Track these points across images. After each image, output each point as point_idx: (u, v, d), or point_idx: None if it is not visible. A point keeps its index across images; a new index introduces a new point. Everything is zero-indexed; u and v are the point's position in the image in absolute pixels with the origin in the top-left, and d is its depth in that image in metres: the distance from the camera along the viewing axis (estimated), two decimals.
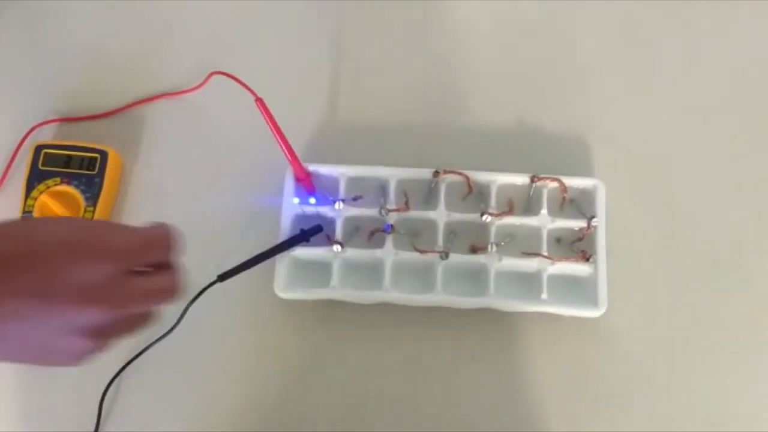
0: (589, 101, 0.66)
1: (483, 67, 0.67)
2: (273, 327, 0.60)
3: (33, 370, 0.59)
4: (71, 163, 0.62)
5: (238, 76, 0.55)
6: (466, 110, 0.66)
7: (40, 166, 0.61)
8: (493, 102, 0.66)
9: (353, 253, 0.59)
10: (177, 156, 0.65)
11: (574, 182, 0.61)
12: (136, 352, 0.58)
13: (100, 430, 0.57)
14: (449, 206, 0.60)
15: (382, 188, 0.61)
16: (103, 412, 0.57)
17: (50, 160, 0.62)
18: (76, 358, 0.40)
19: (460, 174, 0.60)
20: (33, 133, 0.64)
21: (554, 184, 0.61)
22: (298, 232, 0.59)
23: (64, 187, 0.61)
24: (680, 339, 0.59)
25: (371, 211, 0.60)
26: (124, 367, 0.58)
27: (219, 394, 0.58)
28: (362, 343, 0.59)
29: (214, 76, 0.62)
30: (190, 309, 0.57)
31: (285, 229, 0.59)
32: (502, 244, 0.59)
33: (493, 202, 0.60)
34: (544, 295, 0.58)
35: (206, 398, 0.58)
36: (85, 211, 0.61)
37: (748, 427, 0.57)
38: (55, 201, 0.60)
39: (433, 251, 0.58)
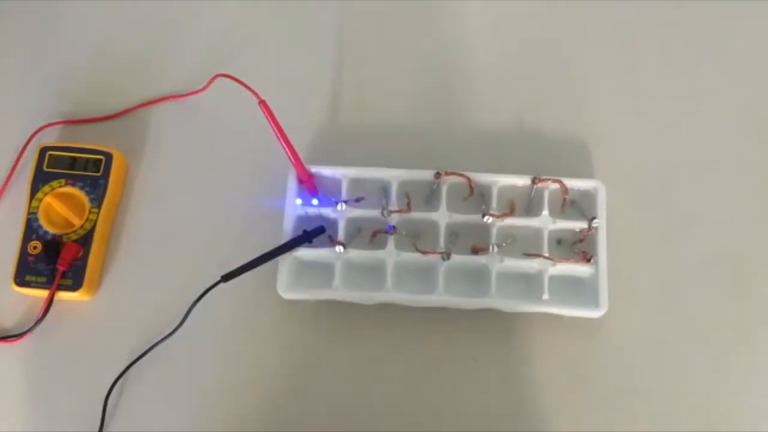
0: (589, 103, 0.66)
1: (485, 70, 0.67)
2: (276, 327, 0.60)
3: (37, 371, 0.59)
4: (76, 164, 0.62)
5: (241, 79, 0.55)
6: (467, 112, 0.66)
7: (44, 168, 0.62)
8: (495, 104, 0.66)
9: (355, 254, 0.59)
10: (181, 158, 0.65)
11: (574, 184, 0.61)
12: (140, 353, 0.59)
13: (104, 430, 0.57)
14: (451, 207, 0.60)
15: (384, 190, 0.61)
16: (107, 412, 0.58)
17: (55, 161, 0.62)
18: None
19: (461, 175, 0.61)
20: (38, 135, 0.65)
21: (555, 186, 0.61)
22: (300, 233, 0.59)
23: (69, 189, 0.61)
24: (680, 339, 0.59)
25: (373, 213, 0.60)
26: (128, 368, 0.59)
27: (222, 393, 0.59)
28: (364, 344, 0.60)
29: (218, 79, 0.63)
30: (194, 309, 0.58)
31: (288, 230, 0.60)
32: (504, 245, 0.59)
33: (494, 203, 0.60)
34: (545, 296, 0.58)
35: (209, 398, 0.59)
36: (90, 212, 0.61)
37: (748, 427, 0.58)
38: (60, 202, 0.60)
39: (434, 252, 0.59)
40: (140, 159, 0.65)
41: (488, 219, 0.60)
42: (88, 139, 0.64)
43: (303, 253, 0.59)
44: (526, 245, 0.60)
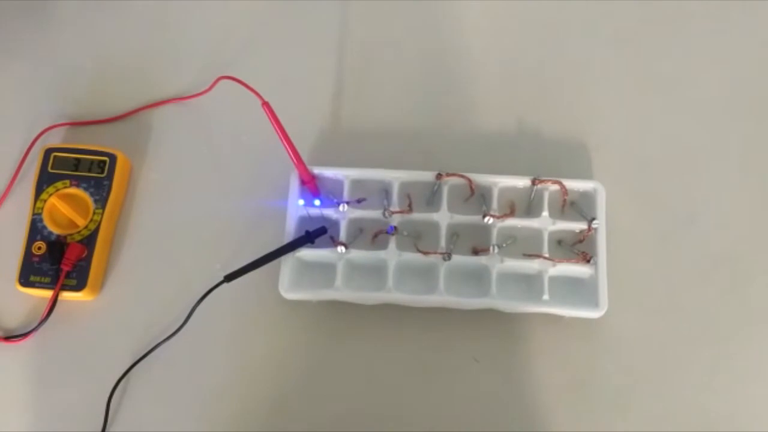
0: (589, 104, 0.67)
1: (485, 71, 0.68)
2: (278, 327, 0.60)
3: (41, 370, 0.60)
4: (80, 166, 0.62)
5: (244, 81, 0.56)
6: (468, 115, 0.66)
7: (49, 169, 0.62)
8: (495, 107, 0.66)
9: (357, 254, 0.60)
10: (184, 159, 0.65)
11: (574, 185, 0.61)
12: (144, 352, 0.59)
13: (107, 430, 0.58)
14: (452, 208, 0.61)
15: (385, 191, 0.62)
16: (110, 412, 0.58)
17: (60, 163, 0.62)
18: None
19: (462, 177, 0.61)
20: (43, 136, 0.65)
21: (555, 187, 0.61)
22: (303, 233, 0.59)
23: (73, 190, 0.62)
24: (680, 339, 0.60)
25: (375, 213, 0.61)
26: (131, 367, 0.59)
27: (225, 393, 0.59)
28: (365, 344, 0.60)
29: (221, 81, 0.63)
30: (197, 309, 0.58)
31: (290, 230, 0.60)
32: (504, 245, 0.60)
33: (494, 204, 0.61)
34: (545, 296, 0.58)
35: (212, 398, 0.59)
36: (94, 213, 0.61)
37: (747, 427, 0.58)
38: (64, 203, 0.61)
39: (435, 253, 0.59)
40: (144, 160, 0.65)
41: (489, 220, 0.60)
42: (92, 141, 0.65)
43: (305, 253, 0.60)
44: (527, 246, 0.60)
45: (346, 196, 0.61)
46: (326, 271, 0.59)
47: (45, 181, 0.62)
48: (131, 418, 0.58)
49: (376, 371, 0.59)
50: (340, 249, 0.59)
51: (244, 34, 0.70)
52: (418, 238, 0.61)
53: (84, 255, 0.60)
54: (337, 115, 0.66)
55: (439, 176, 0.61)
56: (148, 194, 0.64)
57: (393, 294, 0.58)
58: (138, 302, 0.61)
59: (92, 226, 0.61)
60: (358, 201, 0.61)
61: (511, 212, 0.61)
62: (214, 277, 0.57)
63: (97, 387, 0.59)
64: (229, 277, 0.56)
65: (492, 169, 0.62)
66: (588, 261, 0.59)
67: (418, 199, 0.62)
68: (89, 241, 0.61)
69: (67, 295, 0.60)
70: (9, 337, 0.60)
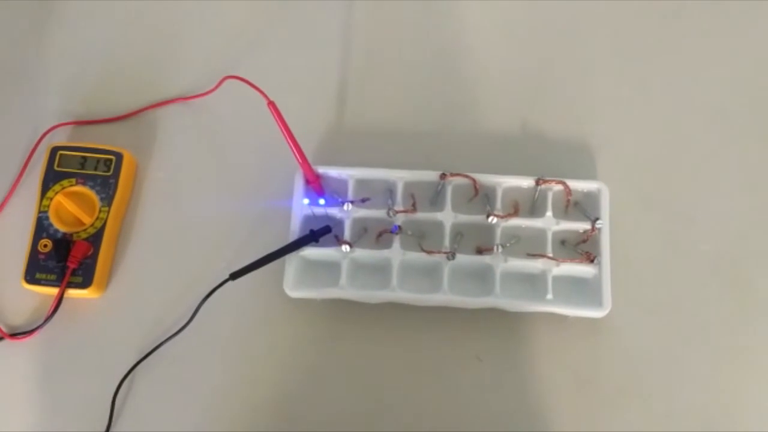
0: (592, 105, 0.67)
1: (489, 72, 0.68)
2: (282, 325, 0.61)
3: (46, 368, 0.60)
4: (86, 164, 0.63)
5: (250, 80, 0.56)
6: (472, 114, 0.67)
7: (55, 167, 0.62)
8: (499, 106, 0.67)
9: (361, 253, 0.60)
10: (190, 158, 0.66)
11: (578, 185, 0.61)
12: (149, 350, 0.59)
13: (112, 428, 0.58)
14: (456, 208, 0.61)
15: (389, 190, 0.62)
16: (115, 410, 0.58)
17: (66, 161, 0.63)
18: None
19: (466, 177, 0.61)
20: (49, 134, 0.66)
21: (559, 187, 0.61)
22: (307, 232, 0.60)
23: (79, 188, 0.62)
24: (683, 339, 0.60)
25: (379, 213, 0.61)
26: (135, 365, 0.59)
27: (229, 391, 0.59)
28: (369, 342, 0.60)
29: (227, 81, 0.63)
30: (202, 307, 0.58)
31: (295, 229, 0.60)
32: (508, 245, 0.60)
33: (498, 204, 0.61)
34: (549, 296, 0.58)
35: (217, 396, 0.59)
36: (100, 211, 0.62)
37: (750, 427, 0.58)
38: (71, 201, 0.61)
39: (439, 252, 0.59)
40: (150, 159, 0.66)
41: (493, 219, 0.60)
42: (98, 140, 0.65)
43: (310, 252, 0.60)
44: (530, 245, 0.60)
45: (350, 195, 0.61)
46: (331, 269, 0.60)
47: (51, 179, 0.62)
48: (136, 415, 0.59)
49: (380, 370, 0.59)
50: (345, 248, 0.59)
51: (249, 34, 0.70)
52: (422, 238, 0.61)
53: (90, 253, 0.61)
54: (342, 115, 0.67)
55: (443, 176, 0.61)
56: (154, 193, 0.65)
57: (397, 293, 0.59)
58: (143, 300, 0.62)
59: (98, 224, 0.61)
60: (363, 200, 0.61)
61: (515, 212, 0.61)
62: (219, 275, 0.57)
63: (102, 384, 0.59)
64: (234, 275, 0.57)
65: (496, 169, 0.62)
66: (592, 261, 0.59)
67: (423, 198, 0.62)
68: (95, 238, 0.61)
69: (72, 293, 0.61)
70: (15, 334, 0.60)
